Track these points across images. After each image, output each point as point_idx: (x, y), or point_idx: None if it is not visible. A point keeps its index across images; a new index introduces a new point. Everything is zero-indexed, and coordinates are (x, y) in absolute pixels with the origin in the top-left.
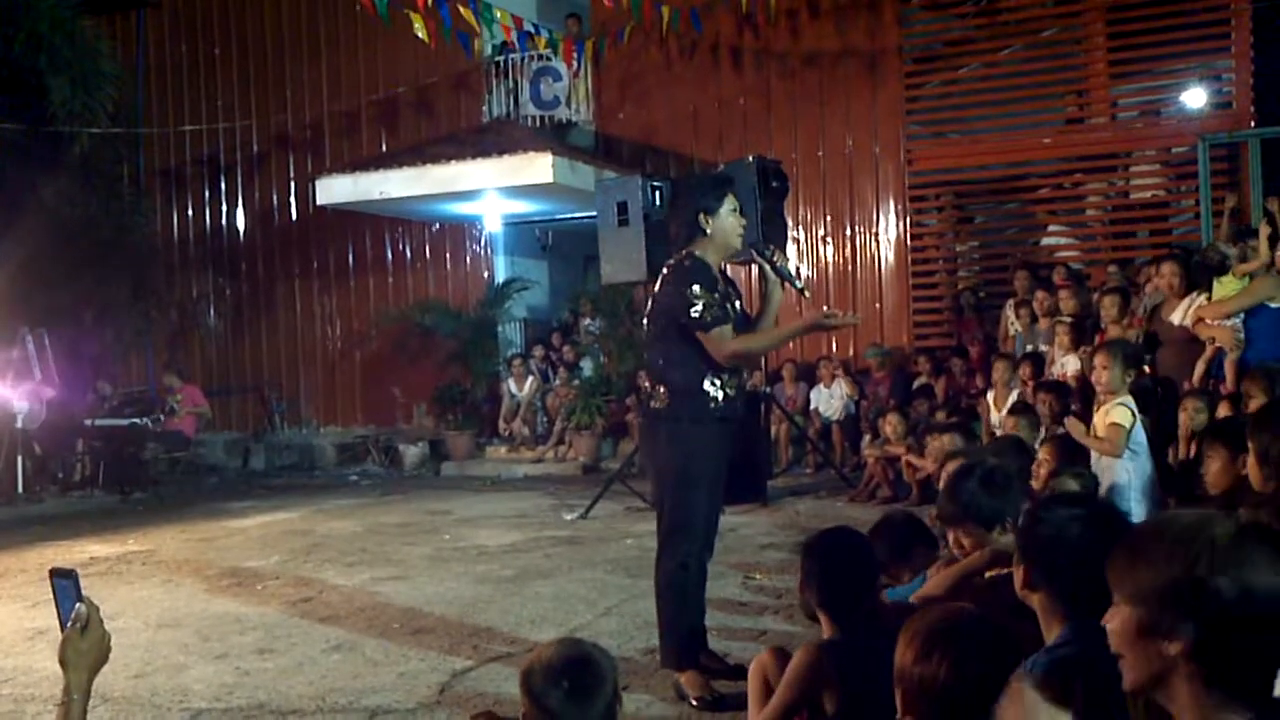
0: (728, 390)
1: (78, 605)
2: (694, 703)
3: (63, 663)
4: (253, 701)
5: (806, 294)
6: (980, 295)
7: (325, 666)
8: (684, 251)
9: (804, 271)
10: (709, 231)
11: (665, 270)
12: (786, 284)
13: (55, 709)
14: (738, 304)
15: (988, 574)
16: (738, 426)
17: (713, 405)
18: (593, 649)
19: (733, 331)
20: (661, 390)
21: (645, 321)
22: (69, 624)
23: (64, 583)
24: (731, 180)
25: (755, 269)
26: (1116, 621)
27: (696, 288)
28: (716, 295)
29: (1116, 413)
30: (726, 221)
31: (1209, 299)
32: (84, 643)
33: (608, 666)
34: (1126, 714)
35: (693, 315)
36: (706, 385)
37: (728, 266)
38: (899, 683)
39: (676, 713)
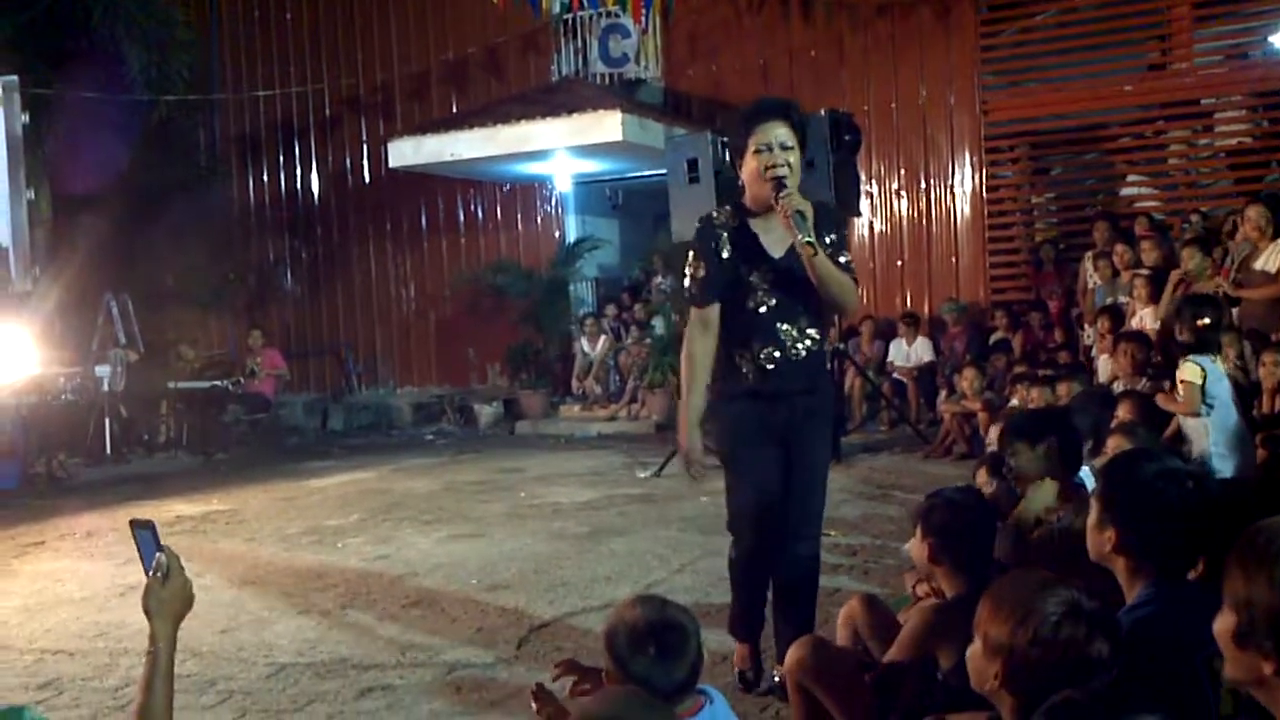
0: (761, 361)
1: (158, 554)
2: (735, 670)
3: (147, 611)
4: (335, 656)
5: (813, 248)
6: (1060, 248)
7: (405, 622)
8: (710, 212)
9: (877, 227)
10: (742, 180)
11: None
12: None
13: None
14: (747, 269)
15: (1035, 532)
16: (796, 400)
17: (744, 379)
18: (677, 610)
19: (716, 314)
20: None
21: None
22: (150, 573)
23: (144, 533)
24: (755, 115)
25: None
26: (1220, 623)
27: (690, 255)
28: (705, 265)
29: (1185, 370)
30: (749, 166)
31: None
32: (165, 591)
33: (692, 628)
34: (1211, 675)
35: (686, 289)
36: (736, 359)
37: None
38: (1002, 657)
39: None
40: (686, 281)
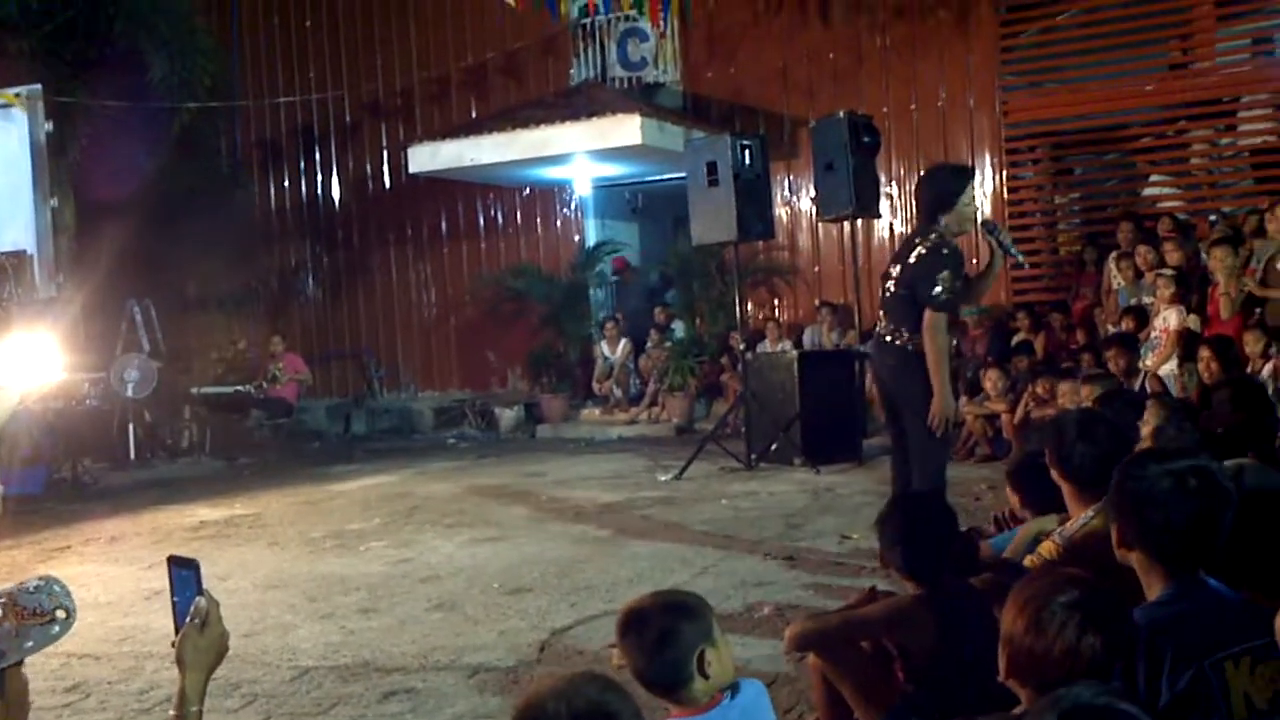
0: None
1: (197, 599)
2: None
3: (180, 662)
4: (358, 659)
5: (1025, 265)
6: (1101, 248)
7: (427, 625)
8: (936, 234)
9: (897, 228)
10: (952, 214)
11: (922, 247)
12: (1007, 257)
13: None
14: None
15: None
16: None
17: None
18: (688, 595)
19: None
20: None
21: (893, 282)
22: (186, 619)
23: (184, 573)
24: (973, 174)
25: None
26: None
27: (947, 273)
28: (958, 284)
29: None
30: (967, 208)
31: None
32: (203, 640)
33: (702, 611)
34: (1221, 680)
35: (933, 294)
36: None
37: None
38: (1006, 646)
39: (773, 670)
40: (940, 289)
